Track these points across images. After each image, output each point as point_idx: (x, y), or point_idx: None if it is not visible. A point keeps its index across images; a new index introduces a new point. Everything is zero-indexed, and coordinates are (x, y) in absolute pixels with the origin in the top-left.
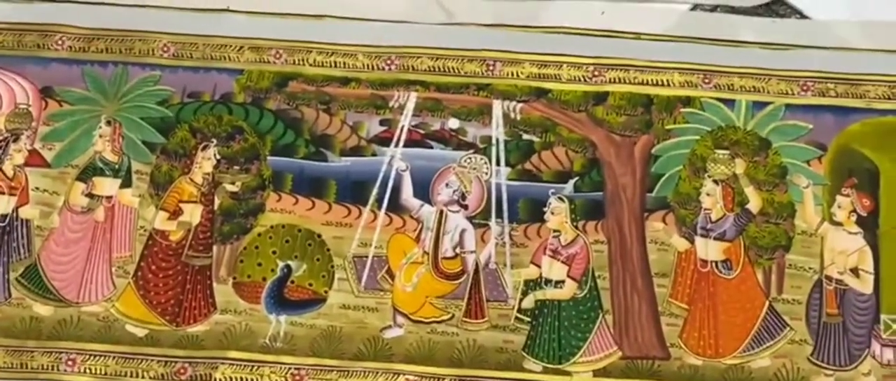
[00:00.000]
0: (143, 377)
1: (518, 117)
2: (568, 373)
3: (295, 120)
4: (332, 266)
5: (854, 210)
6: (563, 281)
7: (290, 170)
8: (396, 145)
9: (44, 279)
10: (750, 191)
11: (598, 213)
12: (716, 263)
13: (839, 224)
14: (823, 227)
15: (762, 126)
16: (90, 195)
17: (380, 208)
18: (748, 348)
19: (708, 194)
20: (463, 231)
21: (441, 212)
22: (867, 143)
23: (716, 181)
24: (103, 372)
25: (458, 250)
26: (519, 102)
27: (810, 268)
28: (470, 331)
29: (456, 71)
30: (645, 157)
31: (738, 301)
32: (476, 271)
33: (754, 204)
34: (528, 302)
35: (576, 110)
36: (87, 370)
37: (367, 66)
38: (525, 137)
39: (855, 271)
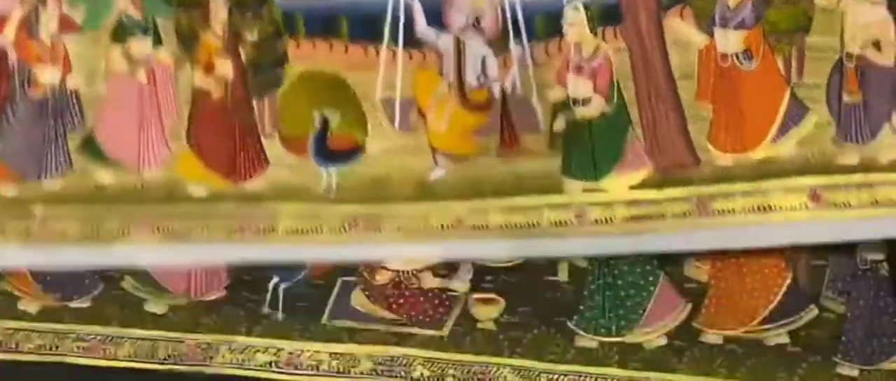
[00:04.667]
0: (208, 232)
1: None
2: (604, 190)
3: None
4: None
5: None
6: (589, 98)
7: (299, 9)
8: None
9: (102, 149)
10: None
11: (615, 18)
12: (736, 55)
13: None
14: (844, 1)
15: None
16: (129, 59)
17: (396, 44)
18: (774, 138)
19: None
20: (484, 58)
21: (458, 40)
22: None
23: None
24: (170, 230)
25: (482, 80)
26: None
27: (830, 48)
28: (508, 162)
29: None
30: None
31: (760, 93)
32: (504, 99)
33: None
34: (560, 124)
35: None
36: (156, 230)
37: None
38: None
39: (876, 45)
